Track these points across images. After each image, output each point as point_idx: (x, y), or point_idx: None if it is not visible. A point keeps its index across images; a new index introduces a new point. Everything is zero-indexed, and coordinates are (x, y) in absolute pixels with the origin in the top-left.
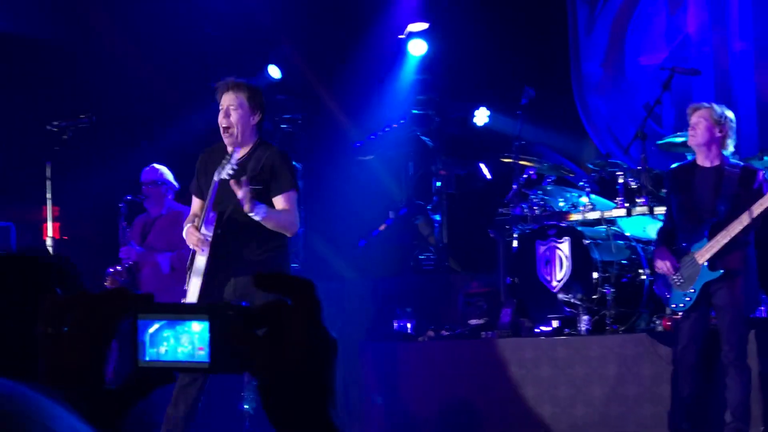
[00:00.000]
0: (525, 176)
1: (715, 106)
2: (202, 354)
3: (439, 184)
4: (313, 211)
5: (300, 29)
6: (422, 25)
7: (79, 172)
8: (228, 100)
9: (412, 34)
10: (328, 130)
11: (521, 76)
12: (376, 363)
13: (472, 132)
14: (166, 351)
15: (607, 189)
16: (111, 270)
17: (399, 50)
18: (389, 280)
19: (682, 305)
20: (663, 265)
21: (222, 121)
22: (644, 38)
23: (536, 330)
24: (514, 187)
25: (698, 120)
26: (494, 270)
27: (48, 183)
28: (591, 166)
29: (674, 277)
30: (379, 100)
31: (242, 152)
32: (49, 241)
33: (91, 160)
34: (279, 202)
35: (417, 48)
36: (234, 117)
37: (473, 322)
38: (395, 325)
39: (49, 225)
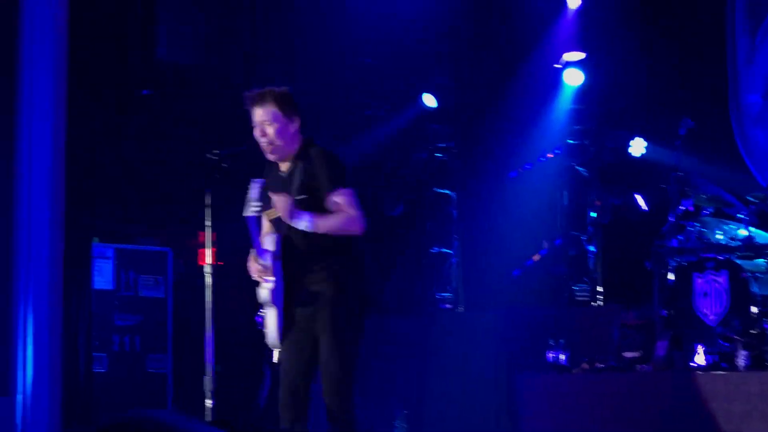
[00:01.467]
0: (682, 208)
1: None
2: None
3: (594, 214)
4: (467, 240)
5: (456, 58)
6: (578, 55)
7: (236, 199)
8: (260, 116)
9: (568, 64)
10: (482, 159)
11: (679, 106)
12: (530, 394)
13: (628, 162)
14: None
15: (767, 221)
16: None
17: (555, 80)
18: (543, 310)
19: None
20: None
21: (260, 140)
22: None
23: (692, 364)
24: (671, 218)
25: None
26: (650, 302)
27: (207, 210)
28: (750, 199)
29: None
30: (534, 129)
31: (288, 165)
32: (207, 268)
33: (246, 187)
34: (331, 203)
35: (573, 78)
36: (271, 132)
37: (628, 354)
38: (549, 356)
39: (208, 251)
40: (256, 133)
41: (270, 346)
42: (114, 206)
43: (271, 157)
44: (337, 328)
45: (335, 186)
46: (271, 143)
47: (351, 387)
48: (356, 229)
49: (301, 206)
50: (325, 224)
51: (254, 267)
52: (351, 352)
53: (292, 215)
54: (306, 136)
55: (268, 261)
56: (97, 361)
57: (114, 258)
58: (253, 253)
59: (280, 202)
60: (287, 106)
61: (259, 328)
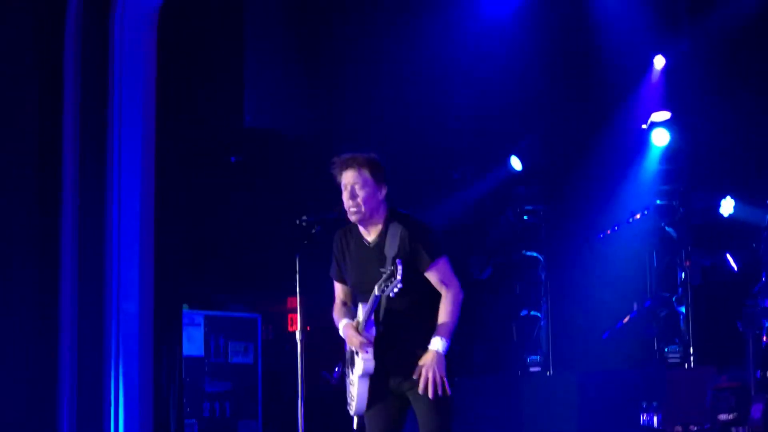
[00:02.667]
0: None
1: None
2: None
3: (684, 275)
4: (556, 303)
5: (542, 119)
6: (665, 115)
7: (324, 265)
8: (351, 179)
9: (654, 124)
10: (570, 221)
11: None
12: None
13: (718, 222)
14: None
15: None
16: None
17: (642, 140)
18: (634, 372)
19: None
20: None
21: (348, 202)
22: None
23: None
24: (763, 278)
25: None
26: (743, 364)
27: (297, 276)
28: None
29: None
30: (622, 190)
31: (374, 233)
32: (298, 334)
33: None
34: (432, 276)
35: (660, 138)
36: (361, 196)
37: (722, 417)
38: (642, 419)
39: (299, 316)
40: (345, 195)
41: (353, 414)
42: (204, 273)
43: (354, 219)
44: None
45: (438, 255)
46: (359, 207)
47: None
48: (461, 299)
49: (403, 281)
50: (450, 326)
51: (358, 339)
52: (448, 412)
53: (442, 367)
54: (390, 205)
55: (372, 333)
56: (188, 427)
57: (204, 324)
58: (354, 322)
59: (432, 371)
60: (377, 172)
61: (331, 381)
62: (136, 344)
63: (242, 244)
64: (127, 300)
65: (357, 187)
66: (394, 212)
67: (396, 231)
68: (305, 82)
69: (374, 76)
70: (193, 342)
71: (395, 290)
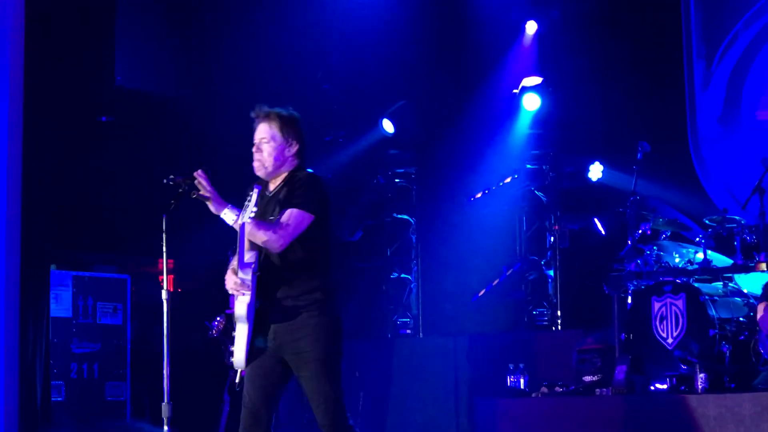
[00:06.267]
0: (640, 231)
1: None
2: None
3: (552, 239)
4: (427, 266)
5: (414, 84)
6: (536, 80)
7: (192, 225)
8: (260, 133)
9: (525, 89)
10: (441, 184)
11: (636, 130)
12: (489, 419)
13: (586, 187)
14: None
15: (724, 245)
16: (215, 323)
17: (513, 105)
18: (502, 335)
19: None
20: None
21: (255, 156)
22: (762, 93)
23: (651, 388)
24: (629, 242)
25: None
26: (608, 326)
27: (164, 236)
28: (708, 222)
29: None
30: (492, 154)
31: (276, 183)
32: (164, 294)
33: (204, 212)
34: (284, 214)
35: (531, 102)
36: (266, 151)
37: (587, 378)
38: (508, 381)
39: (165, 277)
40: (253, 149)
41: (235, 366)
42: (72, 233)
43: (259, 174)
44: (325, 360)
45: (297, 206)
46: (261, 162)
47: (344, 410)
48: (275, 244)
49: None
50: (248, 226)
51: (232, 280)
52: (337, 380)
53: (219, 206)
54: (301, 163)
55: (248, 275)
56: (54, 389)
57: (72, 285)
58: (233, 265)
59: (206, 190)
60: (288, 128)
61: (211, 334)
62: (2, 304)
63: (112, 204)
64: None
65: (263, 141)
66: (299, 169)
67: (293, 182)
68: (178, 42)
69: (248, 38)
70: (60, 303)
71: (251, 215)
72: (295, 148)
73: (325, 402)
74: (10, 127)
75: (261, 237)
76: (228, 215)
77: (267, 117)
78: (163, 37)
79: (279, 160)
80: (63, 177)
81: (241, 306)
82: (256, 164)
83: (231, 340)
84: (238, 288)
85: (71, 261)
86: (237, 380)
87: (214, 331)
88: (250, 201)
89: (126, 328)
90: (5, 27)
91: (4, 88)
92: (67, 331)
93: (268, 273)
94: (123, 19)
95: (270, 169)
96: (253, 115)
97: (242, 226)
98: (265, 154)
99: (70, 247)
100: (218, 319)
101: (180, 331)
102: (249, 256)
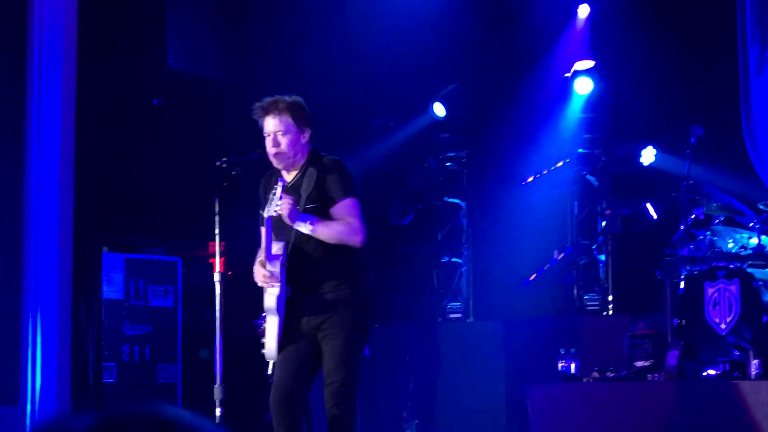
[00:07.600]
0: (693, 216)
1: None
2: None
3: (604, 224)
4: (477, 250)
5: (465, 67)
6: (588, 63)
7: (245, 208)
8: (273, 126)
9: (578, 73)
10: (492, 168)
11: (690, 114)
12: (540, 404)
13: (638, 171)
14: None
15: None
16: (260, 320)
17: (565, 89)
18: (553, 320)
19: None
20: None
21: (271, 150)
22: None
23: (704, 373)
24: (682, 227)
25: None
26: (661, 311)
27: (216, 218)
28: (762, 207)
29: None
30: (544, 138)
31: (294, 174)
32: (216, 276)
33: (257, 195)
34: (336, 213)
35: (583, 86)
36: (284, 143)
37: (639, 363)
38: (559, 365)
39: (217, 260)
40: (268, 143)
41: (267, 358)
42: (124, 216)
43: (277, 165)
44: (347, 341)
45: (344, 195)
46: (282, 154)
47: (354, 398)
48: (356, 239)
49: (290, 206)
50: (326, 230)
51: (260, 272)
52: (356, 364)
53: (294, 217)
54: (313, 148)
55: (276, 267)
56: (106, 371)
57: (124, 267)
58: (260, 257)
59: (285, 204)
60: (299, 116)
61: (260, 332)
62: (55, 287)
63: (164, 187)
64: (45, 243)
65: (279, 134)
66: (315, 155)
67: (313, 171)
68: (229, 25)
69: (298, 21)
70: (112, 285)
71: (277, 208)
72: (308, 134)
73: (340, 381)
74: (63, 111)
75: (340, 238)
76: (302, 227)
77: (277, 108)
78: (214, 20)
79: (297, 150)
80: (114, 160)
81: (270, 298)
82: (275, 158)
83: None
84: (267, 280)
85: (123, 244)
86: (270, 371)
87: (261, 330)
88: (275, 194)
89: (177, 311)
90: (58, 10)
91: (56, 72)
92: (119, 313)
93: (300, 262)
94: (173, 1)
95: (291, 160)
96: (259, 107)
97: (268, 219)
98: (284, 146)
99: (122, 230)
100: (263, 314)
101: (231, 314)
102: (276, 248)
